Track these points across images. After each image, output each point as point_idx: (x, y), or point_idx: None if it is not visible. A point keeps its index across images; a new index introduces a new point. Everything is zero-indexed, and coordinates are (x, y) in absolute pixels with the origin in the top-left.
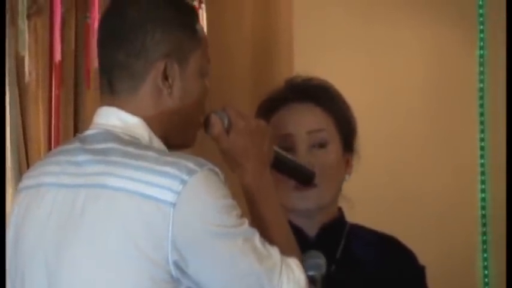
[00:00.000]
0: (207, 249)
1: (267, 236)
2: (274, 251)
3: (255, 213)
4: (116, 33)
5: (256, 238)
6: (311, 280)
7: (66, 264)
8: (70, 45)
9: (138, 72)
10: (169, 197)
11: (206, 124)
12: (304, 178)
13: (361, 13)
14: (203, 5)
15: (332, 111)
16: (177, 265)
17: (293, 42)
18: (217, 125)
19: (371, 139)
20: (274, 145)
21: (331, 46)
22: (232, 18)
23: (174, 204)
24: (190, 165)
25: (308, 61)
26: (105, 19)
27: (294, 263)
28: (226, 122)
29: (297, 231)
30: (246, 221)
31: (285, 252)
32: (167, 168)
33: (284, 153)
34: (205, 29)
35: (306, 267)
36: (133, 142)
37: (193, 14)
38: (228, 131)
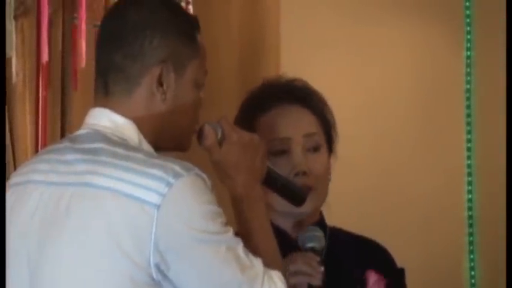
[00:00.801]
0: (189, 254)
1: (253, 248)
2: (257, 262)
3: (242, 226)
4: (115, 35)
5: (240, 247)
6: (313, 251)
7: (48, 262)
8: (57, 46)
9: (134, 76)
10: (154, 198)
11: (199, 135)
12: (295, 198)
13: (348, 13)
14: (190, 6)
15: (318, 114)
16: (158, 268)
17: (280, 42)
18: (210, 136)
19: (358, 140)
20: (267, 161)
21: (318, 46)
22: (219, 17)
23: (158, 206)
24: (177, 168)
25: (295, 61)
26: (106, 21)
27: (276, 276)
28: (219, 133)
29: (282, 234)
30: (231, 230)
31: (269, 265)
32: (154, 171)
33: (277, 171)
34: None
35: (306, 240)
36: (122, 143)
37: (194, 23)
38: (220, 143)
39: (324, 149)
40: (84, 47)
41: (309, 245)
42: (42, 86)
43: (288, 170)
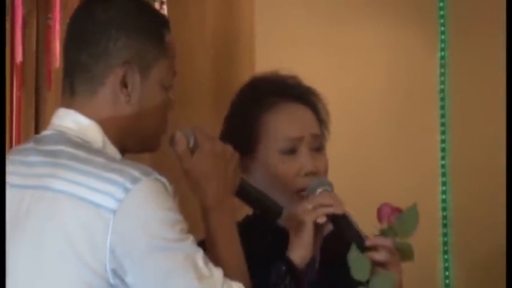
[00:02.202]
0: (146, 261)
1: (216, 258)
2: (217, 272)
3: (209, 236)
4: (81, 34)
5: (199, 256)
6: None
7: (10, 263)
8: (31, 47)
9: (98, 76)
10: (110, 203)
11: (171, 141)
12: (270, 213)
13: (323, 14)
14: (164, 6)
15: (318, 113)
16: (115, 273)
17: (255, 43)
18: (181, 143)
19: (332, 141)
20: (240, 173)
21: (293, 47)
22: (194, 18)
23: (114, 212)
24: (136, 173)
25: (270, 61)
26: (74, 19)
27: (236, 286)
28: (192, 141)
29: (282, 232)
30: (191, 238)
31: (231, 276)
32: (112, 175)
33: (251, 184)
34: None
35: (317, 186)
36: (85, 146)
37: (163, 24)
38: (193, 151)
39: (324, 149)
40: (58, 47)
41: (320, 189)
42: (16, 86)
43: (295, 170)
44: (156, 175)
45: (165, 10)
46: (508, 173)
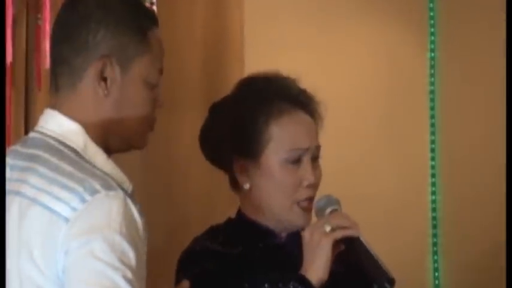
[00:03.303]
0: (76, 273)
1: None
2: None
3: None
4: (63, 28)
5: None
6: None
7: None
8: (21, 47)
9: (77, 69)
10: (66, 212)
11: None
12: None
13: (312, 15)
14: (154, 7)
15: (318, 125)
16: None
17: (244, 43)
18: None
19: (321, 141)
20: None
21: (282, 47)
22: (183, 18)
23: (67, 220)
24: (96, 185)
25: (259, 63)
26: (60, 13)
27: None
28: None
29: (267, 233)
30: (127, 272)
31: None
32: (74, 184)
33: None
34: None
35: (326, 205)
36: (61, 151)
37: (148, 18)
38: None
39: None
40: (48, 47)
41: (330, 208)
42: (6, 86)
43: (298, 180)
44: (119, 192)
45: (154, 10)
46: (508, 173)
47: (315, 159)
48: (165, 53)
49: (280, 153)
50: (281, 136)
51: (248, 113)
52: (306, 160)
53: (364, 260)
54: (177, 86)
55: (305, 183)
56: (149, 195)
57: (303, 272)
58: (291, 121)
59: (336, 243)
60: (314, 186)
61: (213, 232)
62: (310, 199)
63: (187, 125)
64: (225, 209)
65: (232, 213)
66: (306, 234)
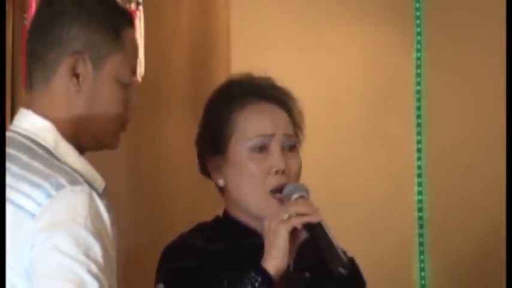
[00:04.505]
0: (41, 267)
1: None
2: None
3: None
4: (39, 24)
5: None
6: (303, 198)
7: None
8: (7, 47)
9: (50, 65)
10: (32, 208)
11: None
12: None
13: (298, 15)
14: (141, 7)
15: (293, 117)
16: None
17: (230, 43)
18: None
19: (307, 141)
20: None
21: (268, 48)
22: (169, 19)
23: (34, 216)
24: (62, 180)
25: (246, 62)
26: (36, 11)
27: None
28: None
29: (251, 232)
30: (93, 267)
31: None
32: (41, 181)
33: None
34: (142, 31)
35: (293, 192)
36: (31, 149)
37: (122, 18)
38: None
39: (297, 150)
40: None
41: (296, 195)
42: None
43: (266, 168)
44: (84, 186)
45: (141, 11)
46: (508, 173)
47: (289, 148)
48: (151, 55)
49: (243, 141)
50: (243, 125)
51: (213, 113)
52: (274, 147)
53: (323, 247)
54: (163, 86)
55: (273, 170)
56: (134, 195)
57: (262, 262)
58: (253, 111)
59: (298, 231)
60: (286, 174)
61: (200, 229)
62: (283, 188)
63: (173, 125)
64: (210, 208)
65: (219, 213)
66: (265, 223)
